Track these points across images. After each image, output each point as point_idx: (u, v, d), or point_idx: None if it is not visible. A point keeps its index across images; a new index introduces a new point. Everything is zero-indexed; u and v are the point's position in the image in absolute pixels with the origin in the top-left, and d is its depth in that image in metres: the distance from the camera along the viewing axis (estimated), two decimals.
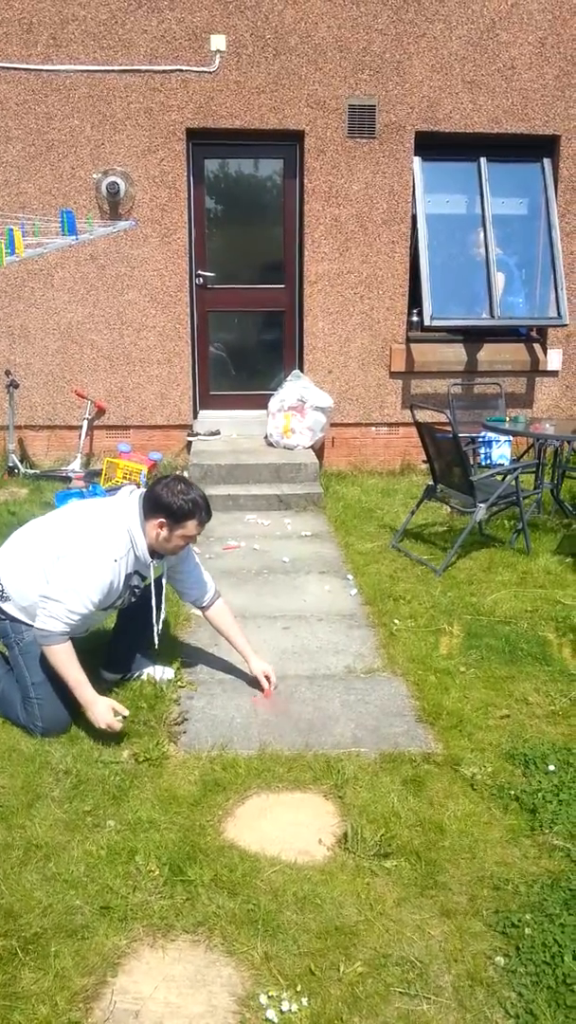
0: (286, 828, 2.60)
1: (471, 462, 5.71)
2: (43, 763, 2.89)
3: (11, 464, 6.69)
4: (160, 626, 3.38)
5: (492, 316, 7.01)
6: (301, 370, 7.09)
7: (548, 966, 2.11)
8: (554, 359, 7.23)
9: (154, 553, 3.12)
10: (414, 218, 6.90)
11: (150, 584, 3.25)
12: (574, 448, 5.95)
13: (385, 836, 2.53)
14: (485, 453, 6.57)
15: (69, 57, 6.39)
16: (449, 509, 5.58)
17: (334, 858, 2.48)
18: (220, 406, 7.46)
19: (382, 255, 6.92)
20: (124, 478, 6.21)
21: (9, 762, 2.90)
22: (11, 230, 6.54)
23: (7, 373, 6.80)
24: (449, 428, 4.93)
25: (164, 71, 6.46)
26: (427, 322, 6.86)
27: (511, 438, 6.48)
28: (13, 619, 3.08)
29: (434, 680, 3.50)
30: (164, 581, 3.37)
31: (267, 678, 3.41)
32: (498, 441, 6.53)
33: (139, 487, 3.28)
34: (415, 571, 4.76)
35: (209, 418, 7.30)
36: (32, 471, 6.70)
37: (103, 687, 3.24)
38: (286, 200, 7.02)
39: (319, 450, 7.03)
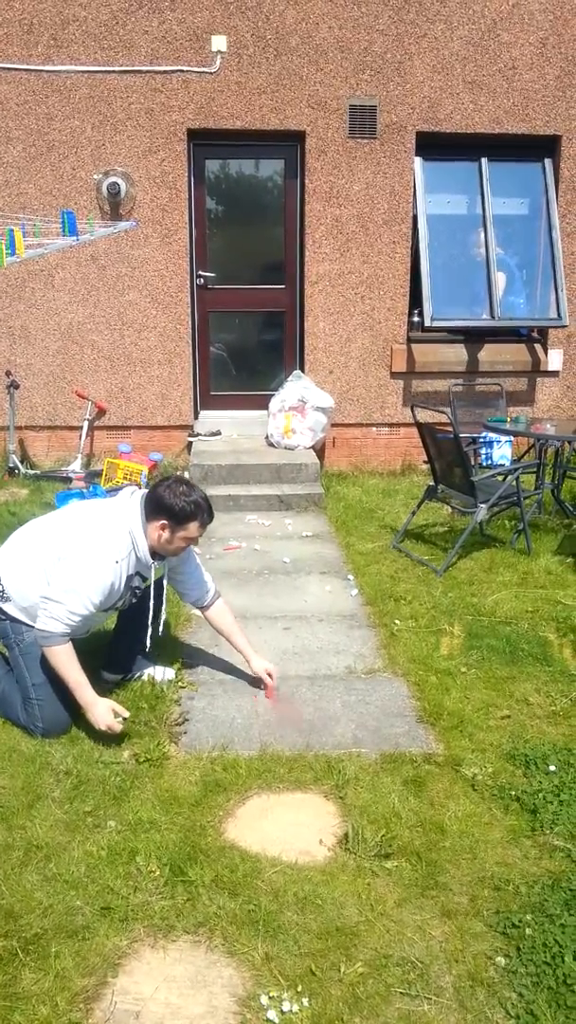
0: (287, 828, 2.60)
1: (472, 462, 5.71)
2: (44, 764, 2.89)
3: (11, 465, 6.69)
4: (161, 628, 3.38)
5: (492, 317, 7.01)
6: (302, 370, 7.09)
7: (549, 966, 2.11)
8: (555, 359, 7.23)
9: (155, 554, 3.12)
10: (415, 218, 6.90)
11: (150, 585, 3.25)
12: (575, 448, 5.94)
13: (386, 836, 2.53)
14: (486, 453, 6.57)
15: (70, 58, 6.40)
16: (450, 509, 5.58)
17: (335, 859, 2.48)
18: (221, 406, 7.46)
19: (383, 255, 6.92)
20: (125, 479, 6.21)
21: (10, 763, 2.90)
22: (12, 231, 6.54)
23: (8, 374, 6.80)
24: (450, 428, 4.93)
25: (165, 72, 6.47)
26: (427, 323, 6.86)
27: (512, 438, 6.48)
28: (14, 620, 3.08)
29: (435, 680, 3.50)
30: (165, 582, 3.37)
31: (269, 675, 3.41)
32: (499, 441, 6.53)
33: (140, 488, 3.28)
34: (416, 571, 4.76)
35: (210, 418, 7.30)
36: (33, 472, 6.70)
37: (104, 688, 3.24)
38: (287, 200, 7.02)
39: (320, 450, 7.03)
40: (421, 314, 6.91)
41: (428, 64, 6.60)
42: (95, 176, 6.58)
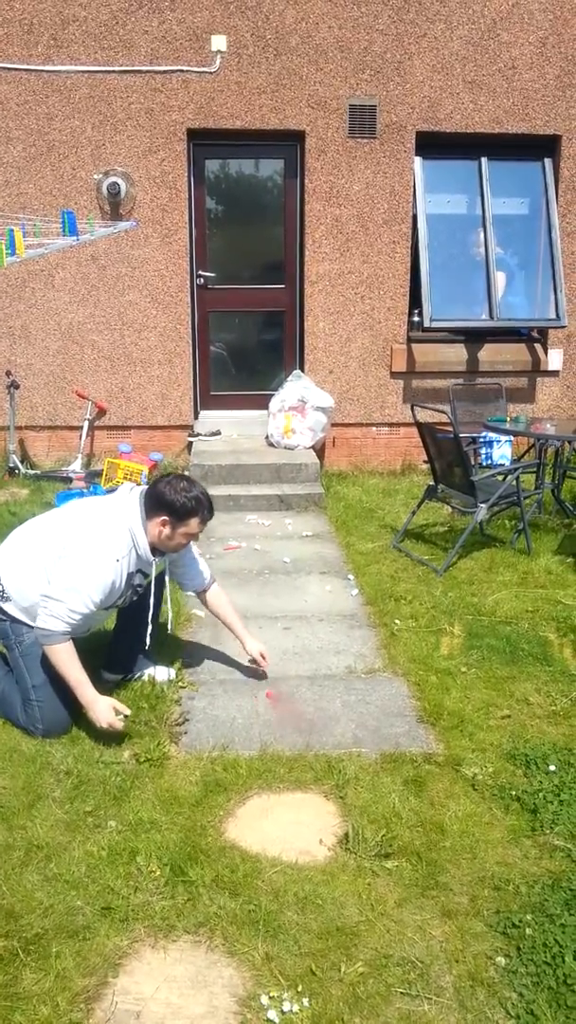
0: (287, 828, 2.60)
1: (472, 462, 5.71)
2: (44, 764, 2.89)
3: (12, 465, 6.69)
4: (168, 624, 3.37)
5: (491, 317, 7.01)
6: (302, 370, 7.09)
7: (549, 966, 2.11)
8: (555, 359, 7.23)
9: (155, 551, 3.12)
10: (415, 218, 6.90)
11: (151, 582, 3.25)
12: (575, 448, 5.95)
13: (386, 836, 2.53)
14: (486, 453, 6.57)
15: (70, 58, 6.40)
16: (450, 509, 5.58)
17: (335, 858, 2.48)
18: (221, 406, 7.46)
19: (383, 255, 6.92)
20: (125, 479, 6.21)
21: (10, 763, 2.90)
22: (12, 231, 6.54)
23: (8, 374, 6.80)
24: (450, 428, 4.93)
25: (165, 71, 6.46)
26: (426, 323, 6.86)
27: (512, 438, 6.48)
28: (14, 620, 3.08)
29: (435, 680, 3.50)
30: (166, 579, 3.37)
31: (262, 656, 3.46)
32: (499, 441, 6.53)
33: (138, 485, 3.28)
34: (416, 571, 4.76)
35: (210, 418, 7.30)
36: (33, 472, 6.70)
37: (104, 688, 3.23)
38: (287, 200, 7.02)
39: (320, 450, 7.03)
40: (421, 314, 6.92)
41: (428, 64, 6.60)
42: (95, 176, 6.58)
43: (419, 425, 5.16)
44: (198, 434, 6.88)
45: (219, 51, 6.44)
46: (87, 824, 2.60)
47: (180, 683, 3.47)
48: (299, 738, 3.09)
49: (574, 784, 2.81)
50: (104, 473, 6.35)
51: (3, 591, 3.07)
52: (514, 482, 5.04)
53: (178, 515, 3.03)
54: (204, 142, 6.78)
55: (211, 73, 6.49)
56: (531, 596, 4.40)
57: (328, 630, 4.04)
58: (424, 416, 5.28)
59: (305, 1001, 2.00)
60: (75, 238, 6.63)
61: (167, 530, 3.05)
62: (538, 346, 7.28)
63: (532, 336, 7.37)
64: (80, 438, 6.87)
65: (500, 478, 5.26)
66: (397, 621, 4.08)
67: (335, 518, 5.77)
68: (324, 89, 6.58)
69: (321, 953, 2.14)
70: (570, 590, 4.48)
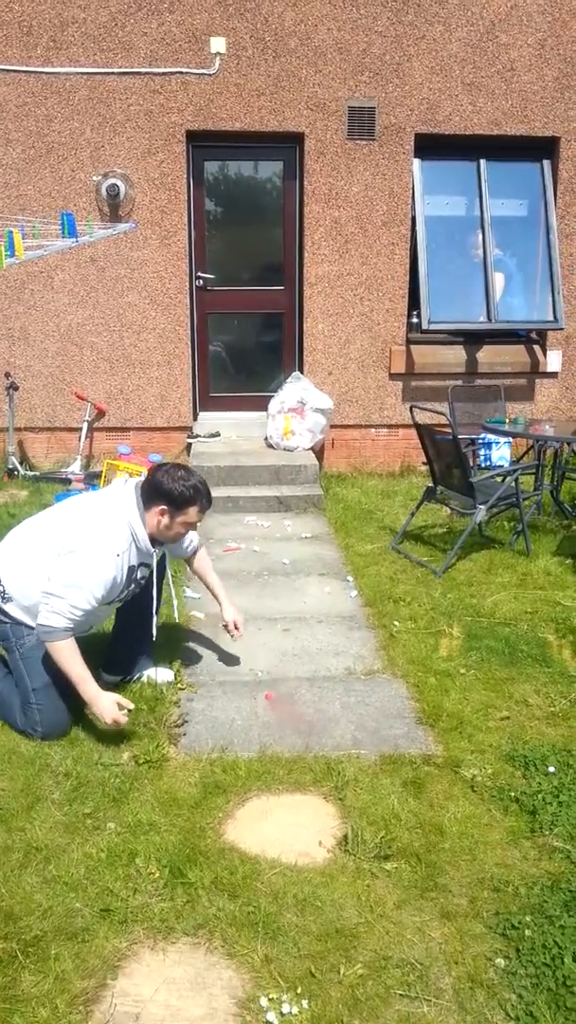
0: (286, 830, 2.60)
1: (471, 464, 5.71)
2: (43, 766, 2.89)
3: (11, 466, 6.69)
4: (175, 614, 3.38)
5: (489, 319, 7.01)
6: (301, 372, 7.10)
7: (548, 968, 2.11)
8: (554, 361, 7.23)
9: (154, 541, 3.11)
10: (413, 220, 6.91)
11: (152, 572, 3.24)
12: (574, 450, 5.95)
13: (385, 838, 2.53)
14: (485, 455, 6.57)
15: (69, 59, 6.40)
16: (449, 511, 5.58)
17: (334, 860, 2.48)
18: (220, 408, 7.46)
19: (382, 257, 6.92)
20: None
21: (9, 765, 2.90)
22: (11, 232, 6.54)
23: (7, 375, 6.80)
24: (449, 430, 4.94)
25: (164, 73, 6.47)
26: (424, 325, 6.87)
27: (511, 440, 6.48)
28: (15, 622, 3.07)
29: (434, 682, 3.50)
30: (168, 568, 3.37)
31: (236, 625, 3.49)
32: (498, 443, 6.53)
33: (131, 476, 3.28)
34: (415, 573, 4.77)
35: (209, 420, 7.31)
36: (32, 473, 6.70)
37: (103, 689, 3.23)
38: (286, 202, 7.03)
39: (319, 452, 7.03)
40: (420, 315, 6.92)
41: (427, 66, 6.61)
42: (94, 178, 6.58)
43: (418, 427, 5.17)
44: (197, 435, 6.88)
45: (218, 53, 6.45)
46: (86, 826, 2.59)
47: (179, 684, 3.47)
48: (298, 740, 3.09)
49: (573, 785, 2.81)
50: (103, 474, 6.34)
51: (3, 591, 3.06)
52: (513, 483, 5.04)
53: (176, 504, 3.03)
54: (203, 144, 6.79)
55: (210, 75, 6.50)
56: (530, 597, 4.40)
57: (327, 632, 4.04)
58: (423, 418, 5.28)
59: (304, 1003, 2.00)
60: (74, 240, 6.64)
61: (166, 520, 3.05)
62: (537, 348, 7.29)
63: (531, 338, 7.37)
64: (79, 439, 6.87)
65: (499, 479, 5.26)
66: (396, 623, 4.08)
67: (334, 519, 5.77)
68: (323, 91, 6.59)
69: (320, 955, 2.14)
70: (569, 591, 4.48)
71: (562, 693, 3.45)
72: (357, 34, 6.51)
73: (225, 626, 3.53)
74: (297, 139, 6.74)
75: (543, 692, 3.46)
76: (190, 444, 6.84)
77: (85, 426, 6.87)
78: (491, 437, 6.38)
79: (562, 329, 7.07)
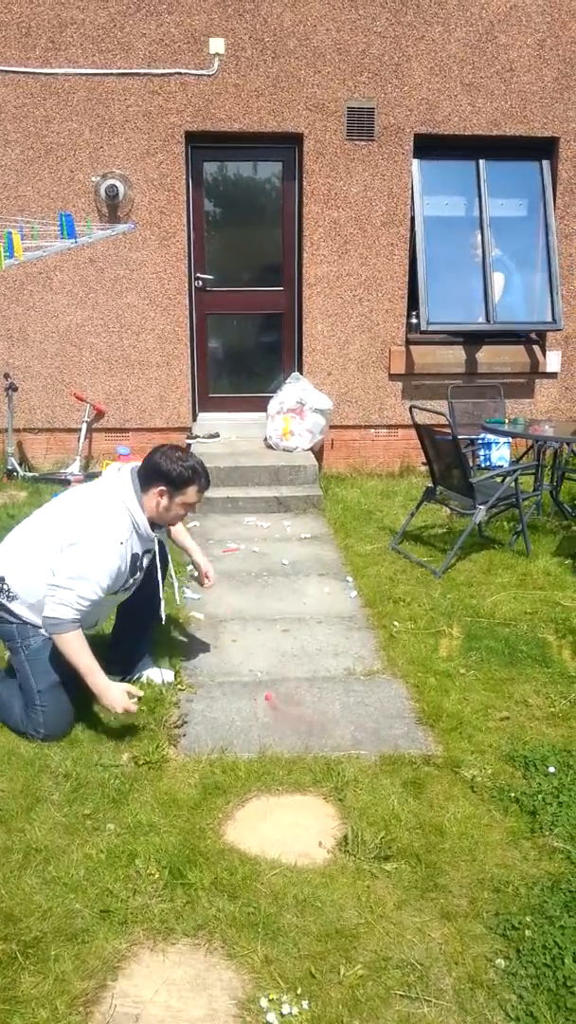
0: (286, 831, 2.60)
1: (470, 464, 5.71)
2: (42, 766, 2.89)
3: (10, 467, 6.69)
4: (179, 596, 3.38)
5: (488, 320, 7.02)
6: (300, 372, 7.10)
7: (549, 968, 2.11)
8: (553, 361, 7.24)
9: (154, 526, 3.12)
10: (413, 220, 6.91)
11: (155, 556, 3.25)
12: (573, 450, 5.95)
13: (385, 838, 2.53)
14: (484, 455, 6.57)
15: (68, 60, 6.40)
16: (448, 511, 5.58)
17: (334, 861, 2.48)
18: (219, 408, 7.46)
19: (381, 257, 6.92)
20: None
21: (8, 766, 2.90)
22: (10, 233, 6.53)
23: (6, 376, 6.80)
24: (448, 430, 4.94)
25: (163, 74, 6.47)
26: (423, 326, 6.87)
27: (510, 440, 6.48)
28: (21, 622, 3.07)
29: (434, 682, 3.50)
30: (168, 552, 3.37)
31: (207, 576, 3.50)
32: (497, 443, 6.53)
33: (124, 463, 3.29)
34: (415, 573, 4.76)
35: (208, 420, 7.31)
36: (31, 474, 6.70)
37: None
38: (285, 203, 7.03)
39: (318, 452, 7.03)
40: (419, 316, 6.92)
41: (426, 66, 6.61)
42: (93, 178, 6.58)
43: (417, 427, 5.17)
44: (196, 436, 6.88)
45: (217, 54, 6.45)
46: (86, 827, 2.59)
47: (179, 685, 3.47)
48: (298, 740, 3.09)
49: (573, 786, 2.81)
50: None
51: (8, 590, 3.05)
52: (512, 484, 5.04)
53: (175, 484, 3.03)
54: (202, 145, 6.79)
55: (209, 76, 6.50)
56: (530, 598, 4.40)
57: (327, 632, 4.04)
58: (422, 418, 5.28)
59: (304, 1004, 2.00)
60: (73, 240, 6.63)
61: (165, 500, 3.05)
62: (536, 348, 7.29)
63: (530, 338, 7.37)
64: (78, 440, 6.87)
65: (499, 480, 5.26)
66: (396, 623, 4.08)
67: (333, 520, 5.77)
68: (322, 92, 6.59)
69: (320, 955, 2.14)
70: (569, 591, 4.48)
71: (562, 693, 3.45)
72: (356, 35, 6.51)
73: (196, 578, 3.53)
74: (296, 140, 6.75)
75: (543, 692, 3.46)
76: (189, 445, 6.83)
77: (84, 427, 6.86)
78: (491, 437, 6.38)
79: (561, 329, 7.07)
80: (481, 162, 6.96)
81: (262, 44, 6.47)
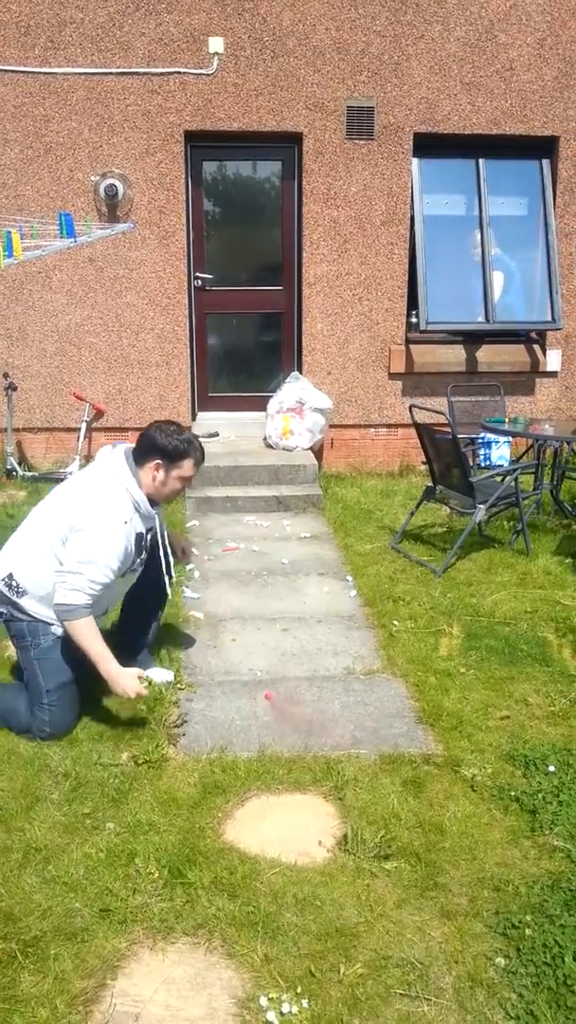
0: (286, 830, 2.60)
1: (470, 463, 5.71)
2: (42, 766, 2.89)
3: (9, 467, 6.69)
4: (173, 576, 3.40)
5: (488, 319, 7.01)
6: (300, 372, 7.09)
7: (549, 967, 2.11)
8: (553, 360, 7.23)
9: (153, 503, 3.14)
10: (412, 219, 6.90)
11: (156, 535, 3.26)
12: (573, 449, 5.95)
13: (385, 837, 2.52)
14: (484, 454, 6.56)
15: (67, 60, 6.40)
16: (448, 510, 5.58)
17: (334, 860, 2.48)
18: (219, 408, 7.45)
19: (381, 256, 6.92)
20: None
21: (8, 765, 2.90)
22: (9, 233, 6.54)
23: (5, 376, 6.80)
24: (448, 429, 4.93)
25: (162, 73, 6.47)
26: (422, 325, 6.86)
27: (510, 439, 6.48)
28: (32, 619, 3.07)
29: (434, 681, 3.50)
30: (165, 529, 3.39)
31: (184, 552, 3.55)
32: (497, 442, 6.52)
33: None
34: (415, 572, 4.76)
35: (208, 420, 7.30)
36: (31, 473, 6.70)
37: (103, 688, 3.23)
38: (284, 202, 7.02)
39: (318, 452, 7.03)
40: (419, 315, 6.92)
41: (425, 65, 6.61)
42: (92, 178, 6.58)
43: (417, 426, 5.16)
44: (196, 436, 6.86)
45: (216, 53, 6.44)
46: (85, 826, 2.59)
47: (178, 685, 3.46)
48: (298, 739, 3.08)
49: (573, 785, 2.81)
50: None
51: (17, 586, 3.05)
52: (513, 483, 5.04)
53: (171, 457, 3.07)
54: (201, 144, 6.78)
55: (208, 75, 6.50)
56: (530, 597, 4.40)
57: (326, 631, 4.04)
58: (422, 417, 5.28)
59: (304, 1002, 2.00)
60: (72, 240, 6.63)
61: (160, 474, 3.08)
62: (536, 347, 7.28)
63: (530, 337, 7.37)
64: (78, 440, 6.86)
65: (499, 479, 5.26)
66: (396, 622, 4.08)
67: (333, 519, 5.77)
68: (322, 91, 6.59)
69: (320, 954, 2.13)
70: (569, 591, 4.48)
71: (562, 692, 3.44)
72: (355, 34, 6.51)
73: (173, 551, 3.48)
74: (296, 139, 6.74)
75: (543, 691, 3.46)
76: None
77: (84, 426, 6.86)
78: (490, 436, 6.37)
79: (560, 329, 7.07)
80: (481, 161, 6.95)
81: (261, 43, 6.47)
